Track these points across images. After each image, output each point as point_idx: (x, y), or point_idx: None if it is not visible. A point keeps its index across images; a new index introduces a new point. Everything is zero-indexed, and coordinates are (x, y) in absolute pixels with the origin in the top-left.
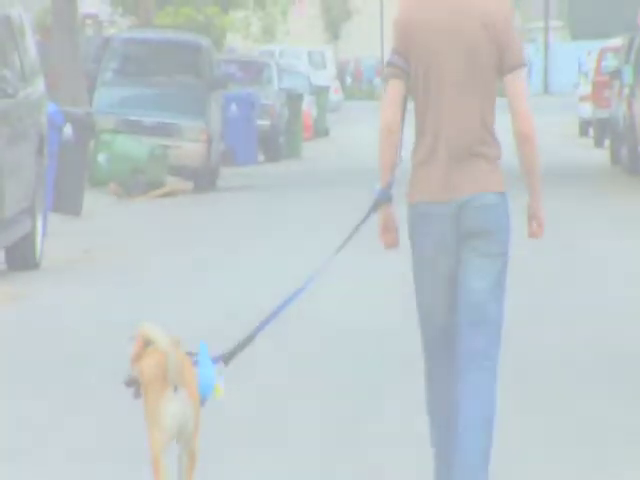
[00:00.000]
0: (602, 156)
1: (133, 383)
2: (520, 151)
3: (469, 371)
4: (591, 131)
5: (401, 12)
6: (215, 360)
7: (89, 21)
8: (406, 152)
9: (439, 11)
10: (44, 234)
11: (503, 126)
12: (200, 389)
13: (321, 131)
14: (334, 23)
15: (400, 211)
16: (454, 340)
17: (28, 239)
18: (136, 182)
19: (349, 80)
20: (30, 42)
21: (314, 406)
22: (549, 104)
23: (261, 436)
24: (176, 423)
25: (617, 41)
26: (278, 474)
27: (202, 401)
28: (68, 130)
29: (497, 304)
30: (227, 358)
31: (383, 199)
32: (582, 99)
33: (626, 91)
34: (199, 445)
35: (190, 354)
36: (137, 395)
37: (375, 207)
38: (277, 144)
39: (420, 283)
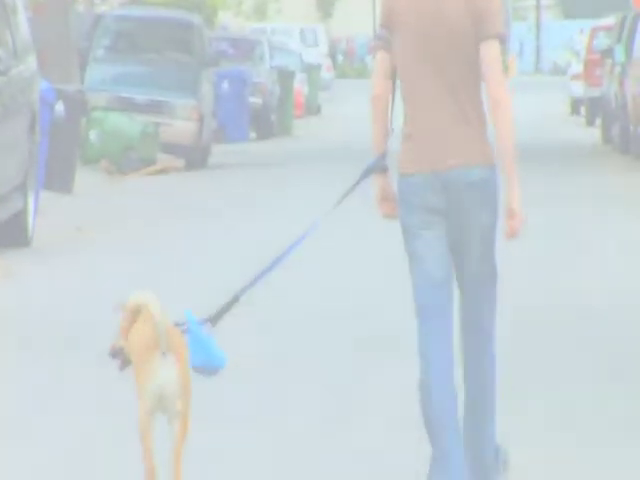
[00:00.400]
0: (593, 135)
1: (118, 354)
2: (493, 117)
3: (467, 339)
4: (583, 110)
5: None
6: (202, 323)
7: None
8: (398, 124)
9: None
10: (36, 211)
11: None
12: (213, 359)
13: (313, 109)
14: (326, 1)
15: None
16: (447, 307)
17: (20, 216)
18: (128, 160)
19: (341, 58)
20: (22, 19)
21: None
22: (540, 82)
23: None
24: (162, 389)
25: (609, 20)
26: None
27: (216, 368)
28: (60, 107)
29: (491, 275)
30: (214, 319)
31: (376, 167)
32: (574, 78)
33: (618, 70)
34: (190, 411)
35: (178, 324)
36: (122, 367)
37: (366, 173)
38: (269, 122)
39: (413, 247)
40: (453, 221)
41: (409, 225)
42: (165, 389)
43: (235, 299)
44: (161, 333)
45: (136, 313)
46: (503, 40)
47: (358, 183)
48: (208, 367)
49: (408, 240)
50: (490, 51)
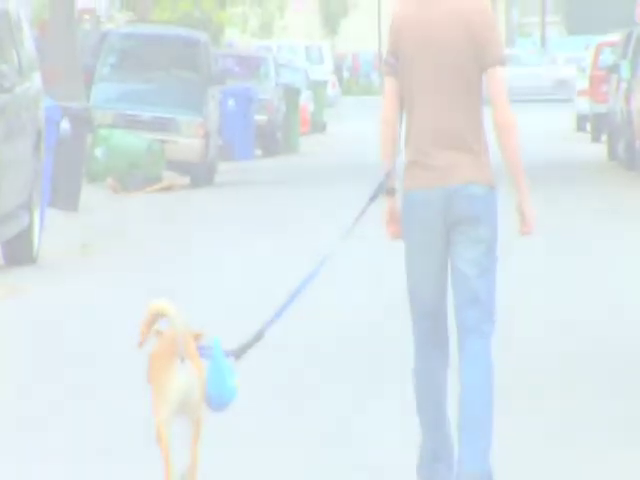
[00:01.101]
0: (599, 151)
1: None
2: (500, 142)
3: (465, 344)
4: (588, 126)
5: (395, 13)
6: (226, 355)
7: (86, 16)
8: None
9: (425, 14)
10: (41, 229)
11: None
12: (223, 390)
13: (318, 126)
14: (332, 18)
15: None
16: (443, 328)
17: (25, 234)
18: (133, 177)
19: (346, 75)
20: (27, 37)
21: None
22: (545, 98)
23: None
24: (181, 395)
25: (614, 36)
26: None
27: (225, 403)
28: (65, 125)
29: (488, 285)
30: (238, 353)
31: (383, 189)
32: (579, 94)
33: (624, 86)
34: (203, 415)
35: (204, 347)
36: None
37: (374, 196)
38: (274, 139)
39: (411, 267)
40: (453, 237)
41: (410, 243)
42: (187, 394)
43: (260, 335)
44: (180, 340)
45: (156, 317)
46: (505, 63)
47: (368, 205)
48: (216, 399)
49: (407, 259)
50: (495, 77)
